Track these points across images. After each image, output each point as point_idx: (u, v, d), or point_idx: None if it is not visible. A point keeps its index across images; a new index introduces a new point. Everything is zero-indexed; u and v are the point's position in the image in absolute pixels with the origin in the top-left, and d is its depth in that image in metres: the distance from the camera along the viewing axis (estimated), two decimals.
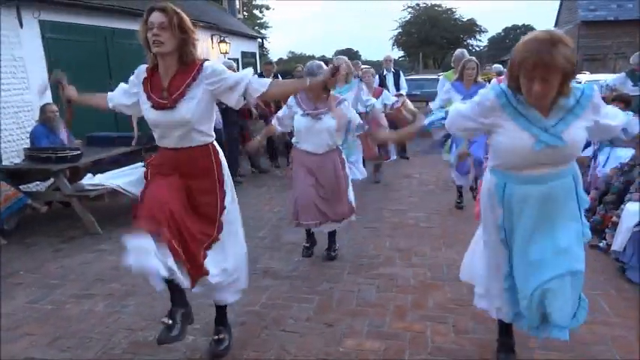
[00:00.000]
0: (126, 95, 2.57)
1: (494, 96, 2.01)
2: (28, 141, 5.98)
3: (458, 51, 6.59)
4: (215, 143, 2.57)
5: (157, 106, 2.37)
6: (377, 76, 8.80)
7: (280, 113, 3.96)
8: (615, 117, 2.11)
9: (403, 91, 8.24)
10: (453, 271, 3.76)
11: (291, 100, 3.83)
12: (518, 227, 2.10)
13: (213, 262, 2.45)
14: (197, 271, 2.35)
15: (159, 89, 2.38)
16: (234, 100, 2.45)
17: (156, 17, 2.26)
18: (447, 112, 2.29)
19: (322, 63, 3.81)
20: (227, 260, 2.56)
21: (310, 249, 4.25)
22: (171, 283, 2.22)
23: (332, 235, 4.18)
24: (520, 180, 2.05)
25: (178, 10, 2.30)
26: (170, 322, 2.22)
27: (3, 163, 5.77)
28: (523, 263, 2.09)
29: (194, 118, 2.37)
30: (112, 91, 2.66)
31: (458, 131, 2.26)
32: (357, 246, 4.44)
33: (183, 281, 2.27)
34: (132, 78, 2.53)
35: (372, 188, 6.71)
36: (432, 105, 5.90)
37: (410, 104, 7.72)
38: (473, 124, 2.13)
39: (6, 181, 4.91)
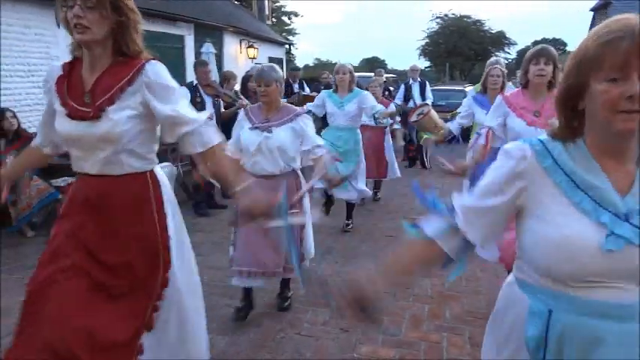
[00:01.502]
0: (50, 121, 1.82)
1: (533, 153, 1.12)
2: None
3: (492, 59, 6.17)
4: (157, 170, 1.90)
5: (74, 115, 1.72)
6: (402, 86, 8.87)
7: (232, 139, 3.19)
8: None
9: (429, 101, 8.21)
10: (471, 283, 3.75)
11: (240, 114, 3.22)
12: None
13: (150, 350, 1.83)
14: None
15: (79, 92, 1.74)
16: (166, 137, 1.85)
17: None
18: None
19: (275, 65, 3.22)
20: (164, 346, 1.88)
21: (242, 310, 3.14)
22: None
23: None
24: (578, 307, 1.06)
25: None
26: None
27: None
28: None
29: (125, 135, 1.72)
30: None
31: (478, 231, 1.26)
32: (375, 253, 4.44)
33: None
34: (44, 86, 1.85)
35: (393, 198, 6.70)
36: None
37: (435, 114, 7.71)
38: (496, 212, 1.21)
39: (38, 176, 5.07)
